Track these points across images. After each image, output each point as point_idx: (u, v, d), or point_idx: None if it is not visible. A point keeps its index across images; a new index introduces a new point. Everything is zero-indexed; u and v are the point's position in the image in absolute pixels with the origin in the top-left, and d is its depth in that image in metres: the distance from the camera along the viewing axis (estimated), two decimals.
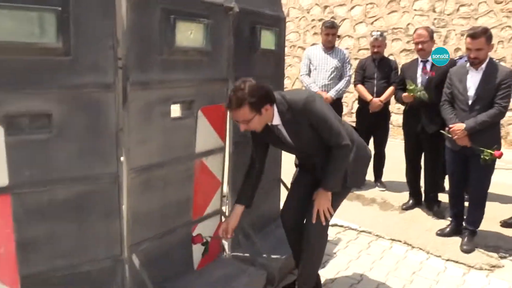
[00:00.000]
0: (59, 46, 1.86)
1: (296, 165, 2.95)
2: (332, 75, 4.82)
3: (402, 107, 4.55)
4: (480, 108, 3.41)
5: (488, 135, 3.41)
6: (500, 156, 3.36)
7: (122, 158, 2.18)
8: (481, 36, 3.32)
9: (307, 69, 4.97)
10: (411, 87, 4.08)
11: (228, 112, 2.38)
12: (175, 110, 2.49)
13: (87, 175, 2.07)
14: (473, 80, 3.45)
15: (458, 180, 3.73)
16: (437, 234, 3.83)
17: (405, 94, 4.19)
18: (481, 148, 3.36)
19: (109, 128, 2.08)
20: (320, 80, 4.83)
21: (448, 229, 3.85)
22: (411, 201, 4.55)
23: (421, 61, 4.23)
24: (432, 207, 4.36)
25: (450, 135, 3.54)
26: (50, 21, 1.82)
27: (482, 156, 3.36)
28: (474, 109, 3.43)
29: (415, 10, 8.57)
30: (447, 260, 3.44)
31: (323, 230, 2.58)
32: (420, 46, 4.17)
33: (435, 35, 8.28)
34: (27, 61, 1.82)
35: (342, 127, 2.48)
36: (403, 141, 4.66)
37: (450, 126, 3.51)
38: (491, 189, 4.76)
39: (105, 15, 1.96)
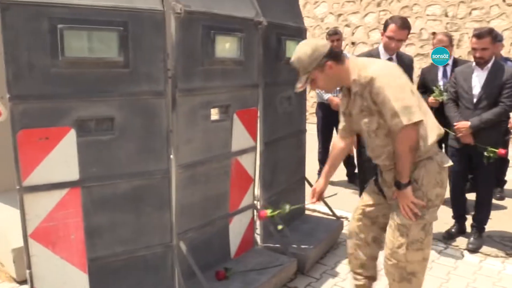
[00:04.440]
0: (121, 60, 2.20)
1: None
2: None
3: None
4: (485, 106, 3.49)
5: (492, 133, 3.51)
6: (503, 154, 3.47)
7: (171, 156, 2.50)
8: (486, 36, 3.43)
9: None
10: (436, 93, 4.18)
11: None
12: (214, 114, 2.81)
13: (143, 170, 2.39)
14: (478, 79, 3.54)
15: (460, 179, 3.81)
16: (444, 237, 3.85)
17: (431, 99, 4.22)
18: (485, 146, 3.46)
19: (161, 129, 2.41)
20: None
21: (453, 230, 3.91)
22: None
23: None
24: None
25: (454, 133, 3.62)
26: (113, 39, 2.16)
27: (485, 154, 3.46)
28: (478, 107, 3.51)
29: (427, 15, 8.81)
30: (465, 249, 3.66)
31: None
32: None
33: None
34: (95, 73, 2.16)
35: None
36: None
37: (455, 123, 3.59)
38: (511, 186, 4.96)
39: (158, 33, 2.29)
